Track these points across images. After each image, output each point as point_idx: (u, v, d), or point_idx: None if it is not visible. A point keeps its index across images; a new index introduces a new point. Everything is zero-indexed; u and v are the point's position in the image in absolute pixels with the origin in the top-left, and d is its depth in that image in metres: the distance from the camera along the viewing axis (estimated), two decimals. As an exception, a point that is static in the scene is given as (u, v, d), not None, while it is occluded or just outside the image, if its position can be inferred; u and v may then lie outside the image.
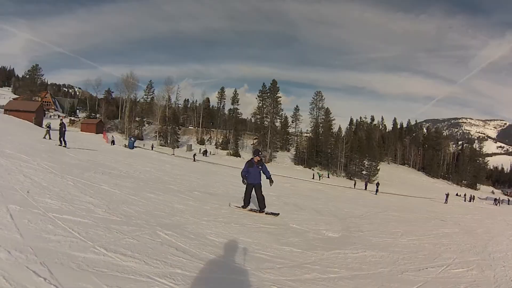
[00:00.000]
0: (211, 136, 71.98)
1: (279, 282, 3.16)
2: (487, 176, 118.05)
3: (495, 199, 50.57)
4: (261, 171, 6.83)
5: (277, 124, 65.76)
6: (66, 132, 16.51)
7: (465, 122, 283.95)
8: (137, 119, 65.69)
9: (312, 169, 53.58)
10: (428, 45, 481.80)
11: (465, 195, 49.42)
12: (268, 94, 63.95)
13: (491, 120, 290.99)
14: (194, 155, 40.98)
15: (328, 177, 52.29)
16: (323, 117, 63.66)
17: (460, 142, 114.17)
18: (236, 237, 4.72)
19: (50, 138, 19.33)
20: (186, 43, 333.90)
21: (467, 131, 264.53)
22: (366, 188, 38.14)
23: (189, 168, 23.98)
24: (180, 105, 78.17)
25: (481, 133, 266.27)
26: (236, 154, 62.24)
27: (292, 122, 67.27)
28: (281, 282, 3.16)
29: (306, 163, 57.09)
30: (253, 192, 6.85)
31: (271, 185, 6.98)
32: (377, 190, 33.24)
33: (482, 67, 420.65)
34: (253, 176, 6.71)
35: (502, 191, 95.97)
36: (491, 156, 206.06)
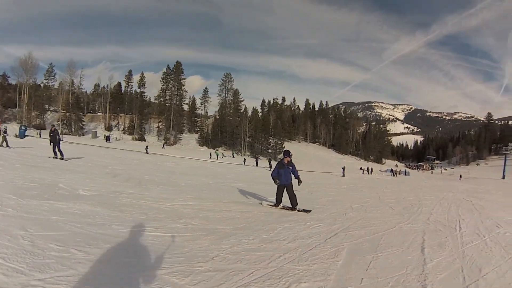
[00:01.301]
0: (118, 122, 66.73)
1: None
2: (394, 151, 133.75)
3: (392, 171, 56.42)
4: (291, 172, 6.86)
5: (185, 106, 63.08)
6: (60, 140, 13.26)
7: (377, 106, 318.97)
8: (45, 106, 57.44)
9: (216, 150, 52.30)
10: (347, 35, 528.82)
11: (367, 168, 53.81)
12: (172, 76, 60.48)
13: (399, 104, 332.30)
14: (147, 147, 36.80)
15: (233, 156, 51.68)
16: (232, 98, 62.64)
17: (373, 123, 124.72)
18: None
19: (8, 146, 15.72)
20: (104, 22, 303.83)
21: (379, 114, 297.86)
22: (257, 165, 37.96)
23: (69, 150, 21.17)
24: (84, 90, 70.78)
25: (391, 115, 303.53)
26: (141, 139, 58.70)
27: (201, 104, 64.96)
28: None
29: (210, 144, 55.57)
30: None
31: (299, 185, 6.95)
32: (270, 166, 33.08)
33: (394, 59, 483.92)
34: (284, 177, 6.76)
35: (405, 164, 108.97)
36: (399, 135, 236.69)
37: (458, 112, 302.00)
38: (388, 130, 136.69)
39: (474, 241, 5.02)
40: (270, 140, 58.03)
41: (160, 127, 59.39)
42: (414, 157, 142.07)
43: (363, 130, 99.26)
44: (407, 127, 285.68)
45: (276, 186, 6.87)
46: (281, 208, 6.89)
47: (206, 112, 64.28)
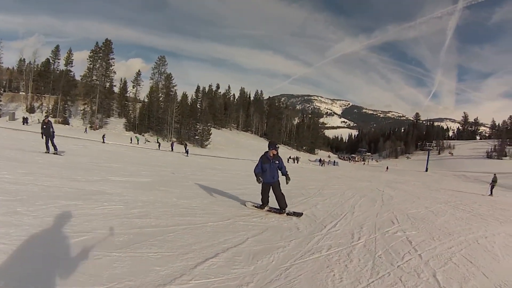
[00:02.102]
0: (42, 103, 62.89)
1: None
2: (329, 143, 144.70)
3: (320, 160, 61.65)
4: (278, 167, 5.77)
5: (115, 89, 62.20)
6: (54, 133, 11.57)
7: (316, 99, 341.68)
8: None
9: (142, 135, 53.55)
10: (294, 30, 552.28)
11: (295, 157, 57.91)
12: (101, 55, 58.90)
13: (338, 99, 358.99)
14: (103, 136, 35.82)
15: (157, 141, 53.21)
16: (164, 82, 63.15)
17: (309, 115, 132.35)
18: None
19: None
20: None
21: (318, 107, 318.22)
22: (172, 150, 39.21)
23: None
24: (2, 64, 64.66)
25: (329, 109, 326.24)
26: (64, 122, 56.66)
27: (133, 87, 64.39)
28: None
29: (136, 128, 56.24)
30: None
31: (287, 183, 5.79)
32: (187, 151, 34.19)
33: (335, 57, 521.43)
34: (270, 174, 5.65)
35: (338, 155, 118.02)
36: (336, 129, 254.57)
37: (392, 111, 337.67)
38: (325, 123, 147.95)
39: (334, 247, 3.60)
40: (198, 126, 60.21)
41: (86, 110, 57.95)
42: (348, 149, 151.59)
43: (298, 121, 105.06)
44: (344, 122, 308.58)
45: (260, 184, 5.75)
46: (268, 211, 5.86)
47: (138, 96, 63.78)
